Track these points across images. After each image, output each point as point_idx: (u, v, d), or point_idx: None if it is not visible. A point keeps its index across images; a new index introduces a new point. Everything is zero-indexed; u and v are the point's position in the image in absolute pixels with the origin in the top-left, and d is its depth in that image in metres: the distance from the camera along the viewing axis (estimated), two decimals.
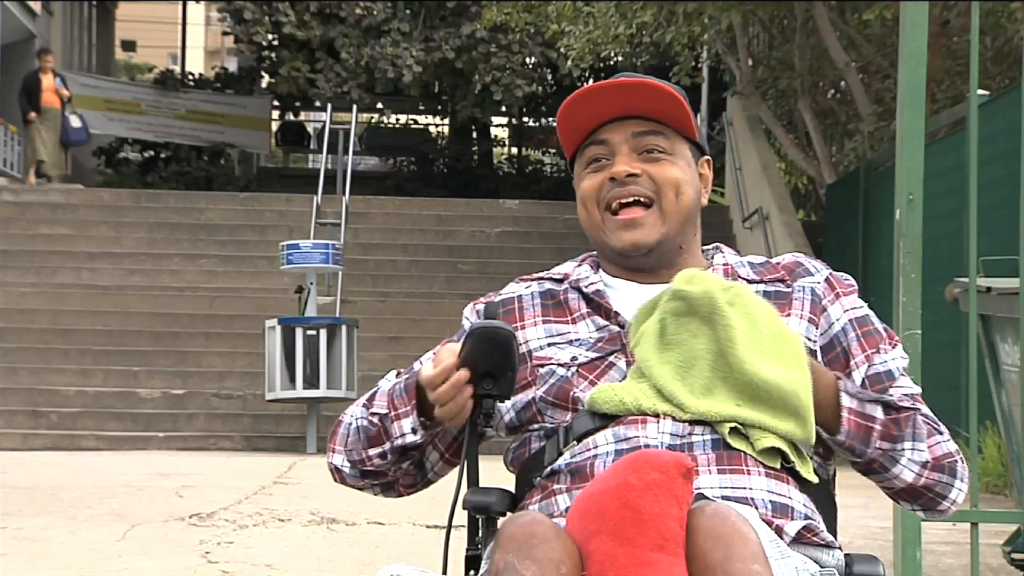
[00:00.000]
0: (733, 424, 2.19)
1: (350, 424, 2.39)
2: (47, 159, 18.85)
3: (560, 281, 2.46)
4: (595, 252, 2.50)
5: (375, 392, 2.39)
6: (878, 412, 2.26)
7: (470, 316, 2.48)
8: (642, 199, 2.37)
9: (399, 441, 2.33)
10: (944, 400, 8.83)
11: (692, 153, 2.43)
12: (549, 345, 2.36)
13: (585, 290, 2.41)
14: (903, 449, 2.27)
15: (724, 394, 2.19)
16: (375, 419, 2.35)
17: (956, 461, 2.31)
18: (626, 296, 2.39)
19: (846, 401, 2.25)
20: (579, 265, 2.48)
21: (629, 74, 2.41)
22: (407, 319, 14.54)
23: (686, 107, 2.39)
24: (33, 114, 18.79)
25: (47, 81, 19.01)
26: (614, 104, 2.38)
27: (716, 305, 2.20)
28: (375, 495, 2.48)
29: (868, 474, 2.34)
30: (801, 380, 2.20)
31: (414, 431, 2.31)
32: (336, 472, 2.43)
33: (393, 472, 2.40)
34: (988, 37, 12.93)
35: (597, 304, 2.39)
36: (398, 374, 2.47)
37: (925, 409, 2.33)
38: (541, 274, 2.50)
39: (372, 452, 2.36)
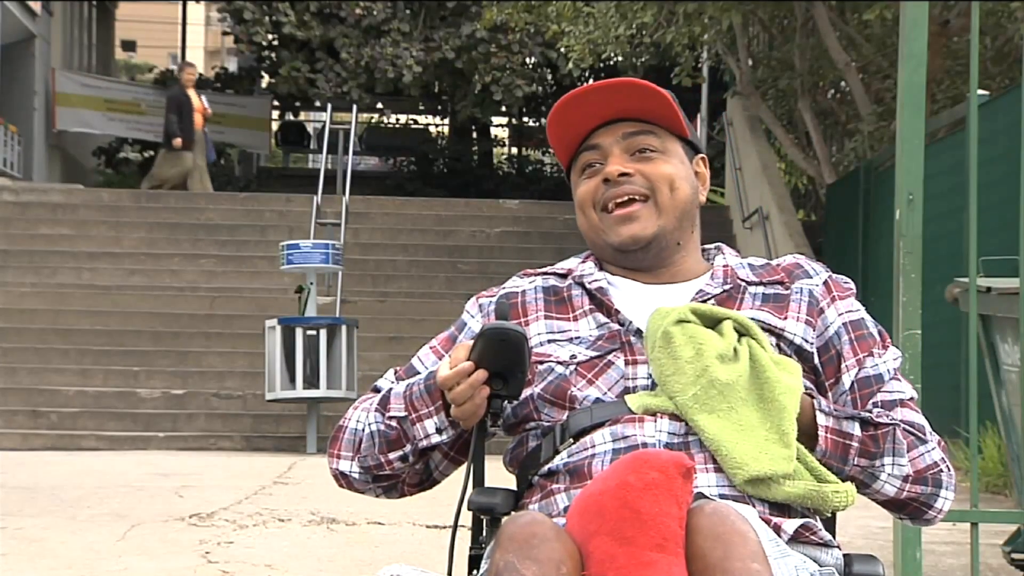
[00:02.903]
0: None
1: (361, 430, 2.38)
2: (198, 186, 17.90)
3: (564, 276, 2.46)
4: None
5: (385, 397, 2.37)
6: (855, 429, 2.26)
7: (471, 310, 2.49)
8: (637, 196, 2.38)
9: (423, 443, 2.32)
10: (944, 400, 8.84)
11: (685, 151, 2.44)
12: (549, 342, 2.37)
13: (588, 286, 2.41)
14: (882, 465, 2.27)
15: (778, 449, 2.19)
16: (393, 423, 2.34)
17: (941, 471, 2.30)
18: (628, 294, 2.40)
19: (822, 419, 2.24)
20: (583, 261, 2.48)
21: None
22: (407, 319, 14.52)
23: (675, 106, 2.40)
24: (178, 140, 17.65)
25: (195, 100, 17.91)
26: (602, 108, 2.39)
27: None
28: (376, 496, 2.47)
29: None
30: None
31: (439, 431, 2.31)
32: (342, 478, 2.41)
33: (406, 474, 2.40)
34: (988, 37, 12.92)
35: (599, 301, 2.39)
36: (395, 372, 2.47)
37: (911, 416, 2.32)
38: (545, 269, 2.50)
39: (392, 456, 2.35)
